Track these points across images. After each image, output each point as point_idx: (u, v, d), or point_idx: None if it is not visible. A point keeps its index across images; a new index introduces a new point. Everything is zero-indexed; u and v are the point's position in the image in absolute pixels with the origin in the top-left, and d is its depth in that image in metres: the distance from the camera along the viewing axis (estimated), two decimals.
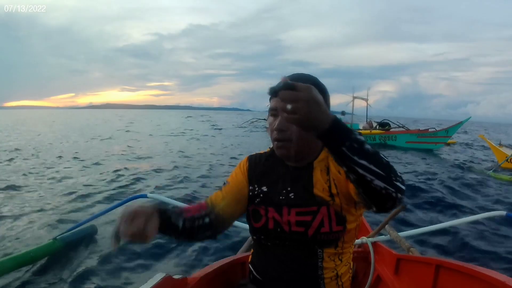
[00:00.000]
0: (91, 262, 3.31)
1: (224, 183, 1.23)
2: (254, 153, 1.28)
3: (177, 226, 1.04)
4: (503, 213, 2.41)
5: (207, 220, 1.11)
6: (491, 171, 8.81)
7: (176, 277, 1.06)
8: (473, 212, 5.54)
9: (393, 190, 0.85)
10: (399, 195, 0.87)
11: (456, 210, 5.82)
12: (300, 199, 1.11)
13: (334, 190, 1.09)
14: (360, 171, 0.82)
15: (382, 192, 0.85)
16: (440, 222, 4.58)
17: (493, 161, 10.92)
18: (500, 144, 10.74)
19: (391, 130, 14.95)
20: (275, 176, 1.17)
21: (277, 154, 1.13)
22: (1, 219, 4.50)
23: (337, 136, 0.80)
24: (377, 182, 0.83)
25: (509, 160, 9.62)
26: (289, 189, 1.13)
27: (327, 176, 1.11)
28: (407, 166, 10.02)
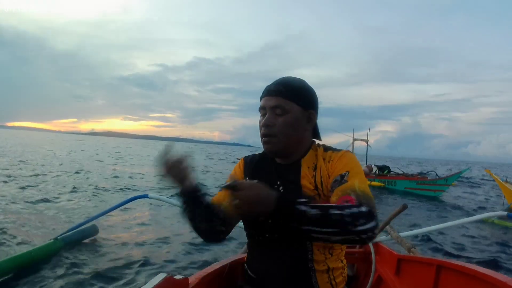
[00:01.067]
0: (92, 262, 3.31)
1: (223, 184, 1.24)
2: (250, 154, 1.35)
3: (201, 202, 1.10)
4: (504, 213, 2.41)
5: (221, 214, 1.15)
6: (495, 218, 8.31)
7: (177, 277, 1.06)
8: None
9: (354, 237, 0.90)
10: (364, 236, 0.91)
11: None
12: (289, 192, 1.15)
13: (319, 186, 1.13)
14: (314, 236, 0.90)
15: (343, 242, 0.92)
16: (441, 222, 4.58)
17: (491, 207, 10.34)
18: (506, 181, 10.46)
19: (389, 175, 15.01)
20: (265, 173, 1.22)
21: (264, 150, 1.19)
22: (3, 218, 4.51)
23: (281, 217, 0.90)
24: (335, 238, 0.91)
25: None
26: (278, 183, 1.18)
27: (313, 172, 1.15)
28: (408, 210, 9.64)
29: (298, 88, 1.15)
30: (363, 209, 0.94)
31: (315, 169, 1.16)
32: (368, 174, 14.73)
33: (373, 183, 14.06)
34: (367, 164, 16.00)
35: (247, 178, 1.25)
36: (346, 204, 0.95)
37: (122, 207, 3.39)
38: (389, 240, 2.37)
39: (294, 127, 1.14)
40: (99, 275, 3.05)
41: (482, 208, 10.21)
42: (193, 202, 1.09)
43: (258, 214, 0.91)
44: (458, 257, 3.81)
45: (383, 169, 15.42)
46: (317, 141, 1.24)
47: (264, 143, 1.16)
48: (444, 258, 2.11)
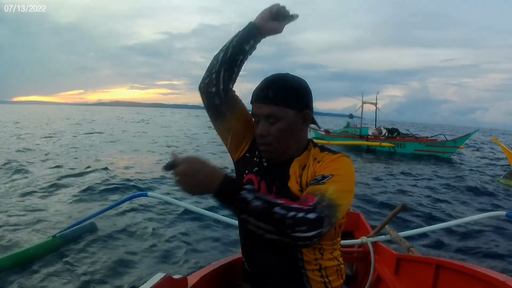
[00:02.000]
0: (90, 260, 3.31)
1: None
2: None
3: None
4: (503, 213, 2.41)
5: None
6: (501, 177, 8.64)
7: (176, 277, 1.06)
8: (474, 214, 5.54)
9: (289, 240, 0.88)
10: (301, 242, 0.89)
11: (457, 211, 5.83)
12: (277, 191, 1.14)
13: (304, 186, 1.11)
14: (251, 226, 0.90)
15: (276, 240, 0.90)
16: (440, 222, 4.58)
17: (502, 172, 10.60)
18: None
19: (399, 137, 15.10)
20: (254, 161, 1.20)
21: (262, 155, 1.18)
22: (1, 217, 4.50)
23: (224, 198, 0.89)
24: (269, 235, 0.89)
25: None
26: (276, 181, 1.16)
27: (301, 172, 1.13)
28: (416, 169, 9.96)
29: (290, 92, 1.10)
30: (311, 215, 0.89)
31: (304, 169, 1.14)
32: (377, 136, 14.83)
33: (383, 143, 14.16)
34: (377, 126, 16.00)
35: (247, 143, 1.26)
36: (296, 205, 0.91)
37: (121, 206, 3.38)
38: (388, 239, 2.36)
39: (289, 132, 1.11)
40: (97, 274, 3.05)
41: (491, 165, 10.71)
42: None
43: (201, 191, 0.89)
44: (457, 256, 3.81)
45: (393, 132, 15.51)
46: (315, 142, 1.22)
47: (262, 151, 1.16)
48: (443, 257, 2.10)
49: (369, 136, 14.97)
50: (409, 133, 16.07)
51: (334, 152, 1.13)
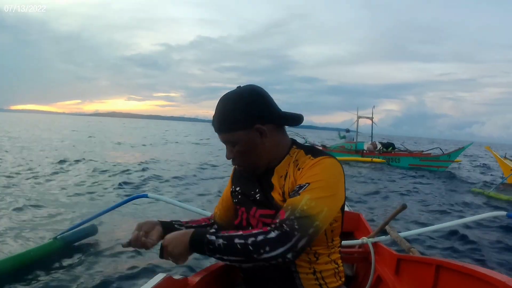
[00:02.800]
0: (91, 261, 3.31)
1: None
2: None
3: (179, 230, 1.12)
4: (503, 213, 2.41)
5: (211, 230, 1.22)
6: (491, 190, 8.61)
7: (176, 277, 1.06)
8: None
9: (263, 263, 0.94)
10: (274, 261, 0.94)
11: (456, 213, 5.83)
12: (263, 201, 1.15)
13: (286, 196, 1.09)
14: (228, 263, 0.98)
15: (255, 266, 0.96)
16: (441, 222, 4.58)
17: (493, 183, 10.60)
18: (505, 157, 10.71)
19: (394, 152, 15.15)
20: (245, 180, 1.24)
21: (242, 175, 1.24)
22: (1, 217, 4.50)
23: (197, 248, 0.99)
24: (245, 265, 0.97)
25: None
26: (257, 190, 1.17)
27: (283, 182, 1.12)
28: (411, 179, 9.95)
29: (230, 116, 1.08)
30: (271, 235, 0.93)
31: (285, 178, 1.12)
32: (372, 151, 14.91)
33: (375, 159, 14.24)
34: (372, 141, 16.07)
35: (233, 182, 1.30)
36: (255, 231, 0.96)
37: (121, 207, 3.38)
38: (388, 240, 2.36)
39: (250, 151, 1.11)
40: (98, 275, 3.05)
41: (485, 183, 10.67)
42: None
43: (184, 254, 1.02)
44: (457, 257, 3.81)
45: (388, 146, 15.59)
46: (299, 144, 1.19)
47: (240, 172, 1.24)
48: (443, 258, 2.10)
49: (364, 151, 15.12)
50: (404, 148, 16.13)
51: (317, 154, 1.09)
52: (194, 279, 1.17)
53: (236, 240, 0.94)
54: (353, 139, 16.60)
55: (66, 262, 3.22)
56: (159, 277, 0.97)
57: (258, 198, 1.15)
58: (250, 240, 0.93)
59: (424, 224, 4.88)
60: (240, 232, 0.97)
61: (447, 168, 13.54)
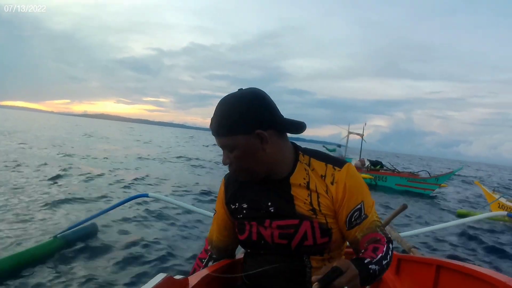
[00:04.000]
0: (92, 260, 3.31)
1: (214, 212, 1.33)
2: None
3: None
4: (504, 213, 2.41)
5: (214, 257, 1.33)
6: (476, 211, 8.56)
7: (177, 277, 1.05)
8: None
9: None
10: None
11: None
12: (281, 212, 1.10)
13: (316, 206, 1.08)
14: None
15: None
16: (441, 222, 4.58)
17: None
18: (493, 191, 10.72)
19: (382, 170, 15.10)
20: (253, 192, 1.16)
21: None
22: (2, 217, 4.50)
23: (363, 281, 0.94)
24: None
25: (499, 205, 9.43)
26: (269, 203, 1.12)
27: (307, 191, 1.10)
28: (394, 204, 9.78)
29: (232, 119, 1.04)
30: (391, 246, 1.07)
31: (308, 187, 1.10)
32: (360, 168, 14.91)
33: (363, 175, 14.16)
34: (361, 158, 16.06)
35: (229, 199, 1.22)
36: (380, 247, 1.04)
37: (122, 206, 3.39)
38: None
39: (249, 156, 1.07)
40: (98, 274, 3.05)
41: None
42: None
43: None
44: (457, 257, 3.81)
45: (376, 164, 15.53)
46: (303, 149, 1.17)
47: (237, 178, 1.18)
48: (443, 258, 2.11)
49: None
50: (391, 167, 16.07)
51: (337, 163, 1.12)
52: (194, 279, 1.17)
53: (383, 262, 1.01)
54: (343, 155, 16.63)
55: (66, 261, 3.22)
56: (159, 277, 0.96)
57: (272, 210, 1.11)
58: (389, 257, 1.03)
59: (424, 224, 4.89)
60: (380, 254, 1.01)
61: (434, 192, 13.35)
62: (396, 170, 15.33)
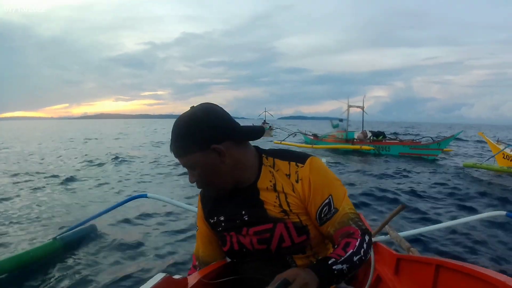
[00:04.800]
0: (91, 262, 3.31)
1: (196, 228, 1.32)
2: None
3: None
4: (503, 213, 2.41)
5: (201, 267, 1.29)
6: (483, 162, 8.79)
7: (176, 277, 1.05)
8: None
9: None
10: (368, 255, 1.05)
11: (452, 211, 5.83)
12: (255, 218, 1.11)
13: (286, 207, 1.08)
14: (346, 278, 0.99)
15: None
16: (440, 222, 4.58)
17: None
18: (498, 141, 10.89)
19: (384, 140, 15.23)
20: (227, 204, 1.17)
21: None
22: (2, 217, 4.50)
23: (327, 283, 0.93)
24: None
25: (504, 156, 9.69)
26: (243, 212, 1.13)
27: (275, 193, 1.10)
28: (402, 171, 9.95)
29: (186, 139, 1.04)
30: (367, 238, 1.04)
31: (275, 189, 1.10)
32: (362, 140, 15.03)
33: (364, 146, 14.39)
34: (363, 130, 16.14)
35: (207, 214, 1.23)
36: (356, 242, 1.01)
37: (121, 207, 3.38)
38: (388, 239, 2.36)
39: (211, 172, 1.07)
40: (97, 275, 3.05)
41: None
42: None
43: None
44: (457, 256, 3.81)
45: (378, 135, 15.69)
46: (266, 151, 1.17)
47: (207, 193, 1.21)
48: (443, 257, 2.11)
49: (355, 140, 15.19)
50: (394, 136, 16.23)
51: (299, 159, 1.11)
52: (194, 278, 1.17)
53: (354, 258, 0.98)
54: (345, 129, 16.69)
55: (65, 262, 3.22)
56: (158, 276, 0.96)
57: (246, 218, 1.12)
58: (362, 251, 1.00)
59: (423, 224, 4.89)
60: (350, 250, 0.99)
61: (437, 157, 13.56)
62: (398, 139, 15.54)
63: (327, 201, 1.07)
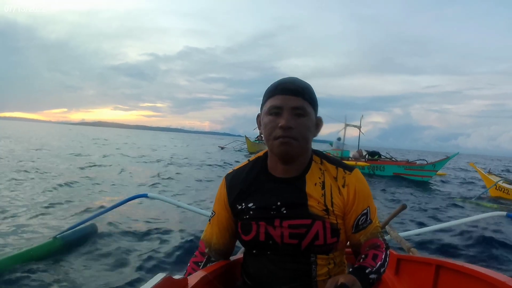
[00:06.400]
0: (91, 261, 3.31)
1: (212, 214, 1.28)
2: (231, 170, 1.26)
3: None
4: (503, 213, 2.41)
5: (212, 260, 1.31)
6: (473, 199, 8.71)
7: (176, 277, 1.05)
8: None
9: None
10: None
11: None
12: (293, 211, 1.10)
13: (329, 206, 1.10)
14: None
15: None
16: (440, 222, 4.58)
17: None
18: (489, 172, 10.81)
19: (379, 160, 15.17)
20: (262, 191, 1.15)
21: (276, 152, 1.09)
22: (2, 217, 4.50)
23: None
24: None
25: (497, 187, 9.63)
26: (279, 203, 1.11)
27: (322, 191, 1.11)
28: (394, 194, 9.86)
29: (313, 93, 1.13)
30: (388, 252, 1.15)
31: (323, 186, 1.12)
32: (358, 158, 15.01)
33: (358, 163, 14.34)
34: (359, 149, 16.15)
35: (234, 200, 1.19)
36: (383, 256, 1.12)
37: (121, 206, 3.38)
38: (388, 240, 2.36)
39: (310, 131, 1.10)
40: (97, 275, 3.05)
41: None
42: None
43: None
44: (457, 257, 3.81)
45: (373, 154, 15.67)
46: (314, 151, 1.20)
47: (281, 144, 1.06)
48: (443, 258, 2.11)
49: (350, 158, 15.17)
50: (389, 156, 16.12)
51: (345, 167, 1.16)
52: (194, 279, 1.17)
53: (381, 269, 1.09)
54: (341, 148, 16.71)
55: (65, 261, 3.22)
56: (159, 277, 0.96)
57: (283, 210, 1.10)
58: (386, 264, 1.11)
59: (423, 224, 4.89)
60: (379, 262, 1.09)
61: (431, 178, 13.42)
62: (393, 159, 15.46)
63: (365, 211, 1.13)
